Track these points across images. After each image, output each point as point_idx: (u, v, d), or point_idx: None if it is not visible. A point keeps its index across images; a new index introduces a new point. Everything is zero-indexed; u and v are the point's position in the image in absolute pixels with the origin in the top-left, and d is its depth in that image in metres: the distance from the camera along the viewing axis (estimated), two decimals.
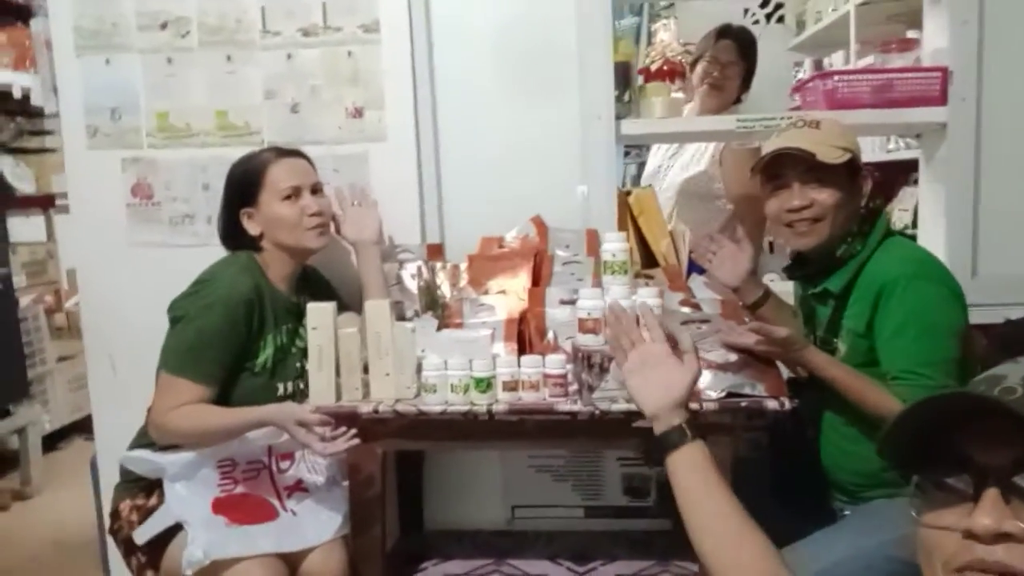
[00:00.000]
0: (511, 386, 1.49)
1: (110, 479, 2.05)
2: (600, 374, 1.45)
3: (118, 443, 1.87)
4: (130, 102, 1.98)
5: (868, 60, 3.37)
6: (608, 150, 1.94)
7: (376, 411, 1.49)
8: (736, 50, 2.50)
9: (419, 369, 1.55)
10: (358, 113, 1.95)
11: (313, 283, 1.85)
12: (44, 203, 4.14)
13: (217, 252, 1.78)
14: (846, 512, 1.58)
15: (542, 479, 2.04)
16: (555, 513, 2.03)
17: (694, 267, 2.00)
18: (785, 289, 1.85)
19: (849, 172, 1.53)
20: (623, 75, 1.98)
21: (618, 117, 1.95)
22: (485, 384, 1.48)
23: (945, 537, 0.66)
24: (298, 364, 1.72)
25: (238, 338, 1.61)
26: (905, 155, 2.74)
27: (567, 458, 2.02)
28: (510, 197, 2.00)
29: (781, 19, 4.56)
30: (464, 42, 1.98)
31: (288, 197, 1.69)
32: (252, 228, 1.72)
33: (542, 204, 1.98)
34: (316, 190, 1.74)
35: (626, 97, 1.98)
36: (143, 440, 1.65)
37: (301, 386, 1.71)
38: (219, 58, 1.95)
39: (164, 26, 1.93)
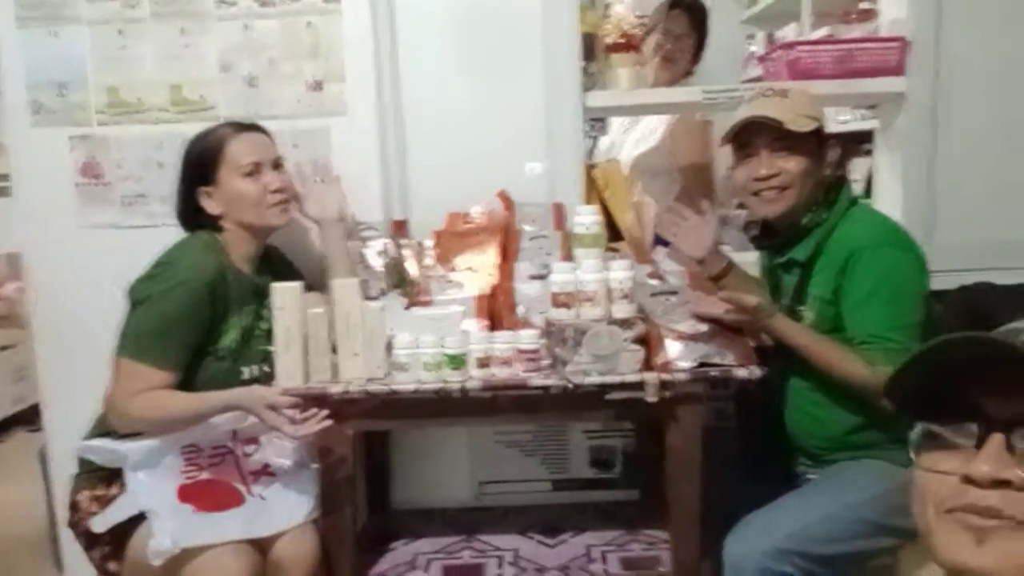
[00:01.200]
0: (484, 362, 1.48)
1: (60, 470, 2.00)
2: (574, 348, 1.45)
3: (68, 433, 1.81)
4: (77, 77, 1.89)
5: (822, 32, 3.41)
6: (575, 123, 1.93)
7: (346, 392, 1.47)
8: (688, 21, 2.49)
9: (389, 348, 1.53)
10: (318, 86, 1.90)
11: (275, 263, 1.80)
12: None
13: (172, 233, 1.71)
14: (810, 476, 1.61)
15: (510, 454, 2.04)
16: (523, 488, 2.03)
17: (659, 240, 2.01)
18: (743, 260, 1.87)
19: (816, 141, 1.54)
20: (588, 46, 1.96)
21: (584, 90, 1.93)
22: (458, 361, 1.46)
23: (941, 481, 0.67)
24: (262, 347, 1.68)
25: (201, 321, 1.56)
26: (857, 126, 2.78)
27: (534, 432, 2.02)
28: (474, 172, 1.97)
29: None
30: (427, 12, 1.93)
31: (249, 174, 1.64)
32: (212, 207, 1.66)
33: (507, 179, 1.96)
34: (277, 165, 1.70)
35: (591, 69, 1.96)
36: (101, 428, 1.59)
37: (266, 369, 1.67)
38: (172, 30, 1.87)
39: None
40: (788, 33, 3.83)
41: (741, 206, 2.18)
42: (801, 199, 1.54)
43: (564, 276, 1.47)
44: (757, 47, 4.32)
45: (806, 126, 1.51)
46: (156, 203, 1.93)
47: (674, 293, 1.67)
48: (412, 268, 1.82)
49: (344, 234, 1.80)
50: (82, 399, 1.73)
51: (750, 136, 1.56)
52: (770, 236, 1.66)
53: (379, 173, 1.94)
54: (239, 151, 1.64)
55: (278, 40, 1.88)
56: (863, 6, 2.33)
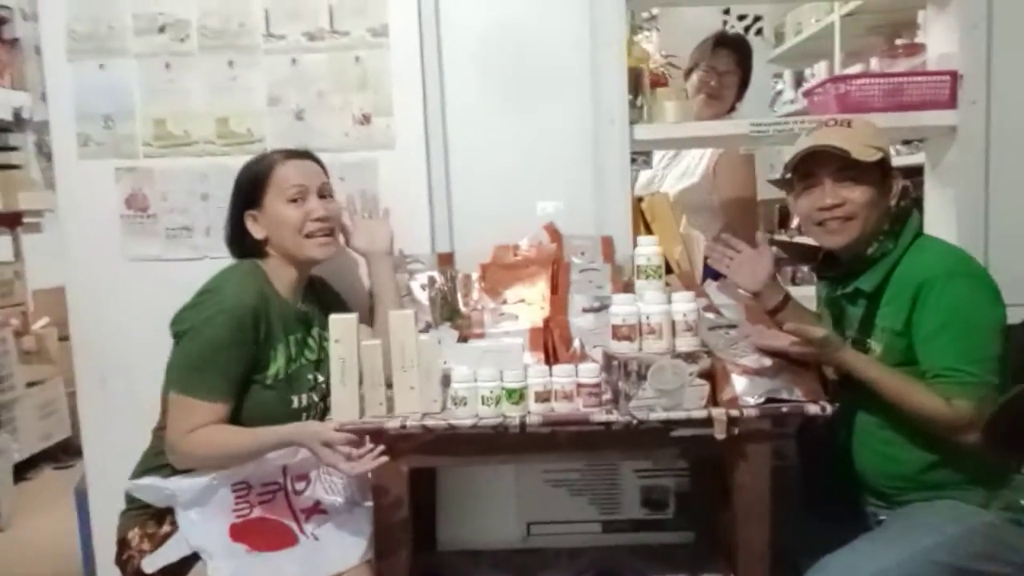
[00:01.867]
0: (543, 397, 1.44)
1: (98, 506, 1.96)
2: (637, 382, 1.41)
3: (108, 469, 1.77)
4: (125, 109, 1.89)
5: (856, 68, 3.43)
6: (622, 155, 1.91)
7: (403, 426, 1.42)
8: (733, 58, 2.49)
9: (444, 382, 1.49)
10: (366, 119, 1.89)
11: (321, 293, 1.78)
12: (11, 221, 3.98)
13: (217, 266, 1.69)
14: (881, 517, 1.55)
15: (557, 494, 1.97)
16: (572, 529, 1.97)
17: (708, 273, 1.98)
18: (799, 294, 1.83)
19: (881, 171, 1.52)
20: (634, 80, 1.95)
21: (630, 122, 1.92)
22: (517, 395, 1.42)
23: None
24: (310, 376, 1.65)
25: (246, 348, 1.53)
26: (900, 161, 2.76)
27: (583, 471, 1.96)
28: (521, 205, 1.95)
29: (759, 31, 4.63)
30: (474, 46, 1.93)
31: (293, 200, 1.62)
32: (256, 231, 1.65)
33: (553, 210, 1.94)
34: (324, 194, 1.68)
35: (638, 102, 1.95)
36: (149, 464, 1.55)
37: (315, 397, 1.64)
38: (220, 62, 1.87)
39: (162, 29, 1.86)
40: (819, 71, 3.86)
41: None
42: (866, 230, 1.51)
43: (626, 308, 1.43)
44: (784, 86, 4.35)
45: (872, 156, 1.48)
46: (201, 236, 1.92)
47: (733, 327, 1.63)
48: (461, 301, 1.80)
49: (392, 268, 1.78)
50: (124, 435, 1.70)
51: (814, 166, 1.54)
52: (833, 266, 1.62)
53: (426, 206, 1.93)
54: (286, 175, 1.63)
55: (326, 73, 1.88)
56: (903, 41, 2.33)
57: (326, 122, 1.89)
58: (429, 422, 1.43)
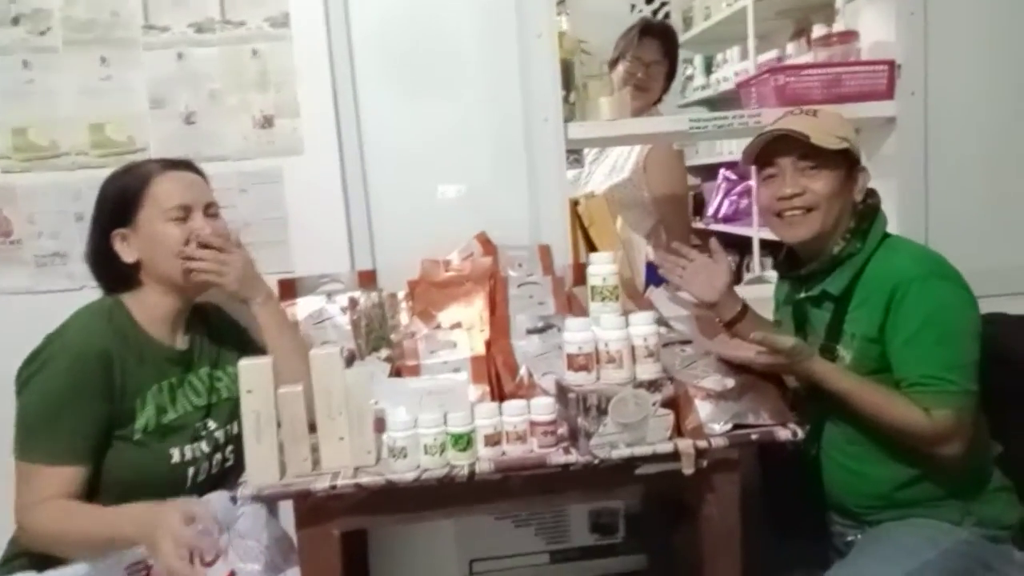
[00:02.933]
0: (494, 440, 1.27)
1: None
2: (598, 417, 1.26)
3: None
4: None
5: (771, 55, 3.39)
6: (558, 156, 1.76)
7: (333, 486, 1.23)
8: (660, 48, 2.37)
9: (377, 425, 1.30)
10: (267, 122, 1.67)
11: (214, 325, 1.54)
12: None
13: (96, 296, 1.45)
14: (850, 538, 1.47)
15: (501, 527, 1.83)
16: (518, 562, 1.83)
17: (651, 278, 1.86)
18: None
19: (845, 163, 1.42)
20: (565, 74, 1.80)
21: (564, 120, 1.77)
22: (465, 440, 1.25)
23: None
24: (197, 424, 1.43)
25: (96, 400, 1.30)
26: None
27: None
28: (449, 214, 1.78)
29: (667, 15, 4.55)
30: (388, 37, 1.73)
31: (176, 219, 1.39)
32: (126, 253, 1.40)
33: (485, 219, 1.78)
34: (211, 212, 1.44)
35: (571, 98, 1.80)
36: (14, 551, 1.31)
37: (204, 448, 1.42)
38: (91, 59, 1.61)
39: (16, 21, 1.57)
40: (731, 56, 3.81)
41: None
42: (828, 224, 1.42)
43: (581, 335, 1.28)
44: (695, 71, 4.30)
45: (834, 144, 1.39)
46: (77, 263, 1.63)
47: (688, 342, 1.51)
48: (389, 326, 1.61)
49: (278, 308, 1.49)
50: None
51: (775, 155, 1.43)
52: (795, 265, 1.53)
53: (342, 218, 1.73)
54: (166, 190, 1.39)
55: (219, 70, 1.65)
56: (839, 28, 2.27)
57: (221, 126, 1.66)
58: (364, 479, 1.24)
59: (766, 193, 1.46)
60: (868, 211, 1.45)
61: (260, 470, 1.24)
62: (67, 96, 1.61)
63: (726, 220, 4.04)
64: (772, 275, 2.19)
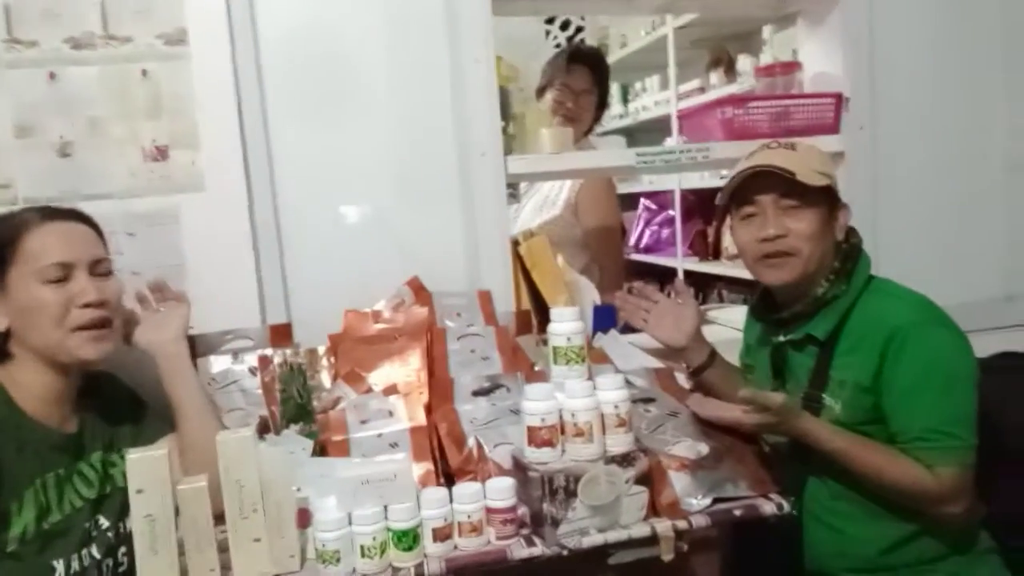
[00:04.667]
0: (444, 533, 1.07)
1: None
2: (566, 500, 1.09)
3: None
4: None
5: (694, 83, 3.35)
6: (497, 192, 1.59)
7: None
8: (590, 77, 2.25)
9: (300, 520, 1.08)
10: (161, 154, 1.43)
11: (108, 400, 1.28)
12: None
13: None
14: None
15: None
16: None
17: (599, 324, 1.71)
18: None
19: (827, 201, 1.31)
20: (502, 103, 1.64)
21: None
22: (410, 538, 1.05)
23: None
24: (86, 524, 1.17)
25: None
26: None
27: None
28: (374, 257, 1.57)
29: (582, 42, 4.49)
30: (301, 58, 1.53)
31: (54, 280, 1.14)
32: None
33: (416, 262, 1.58)
34: (99, 271, 1.20)
35: (509, 129, 1.64)
36: None
37: (95, 554, 1.17)
38: None
39: None
40: (651, 85, 3.76)
41: None
42: (812, 266, 1.31)
43: (543, 404, 1.10)
44: (612, 99, 4.24)
45: (818, 181, 1.28)
46: None
47: (650, 400, 1.36)
48: (309, 387, 1.39)
49: (187, 363, 1.28)
50: None
51: (754, 192, 1.31)
52: (772, 307, 1.40)
53: (250, 264, 1.50)
54: (42, 246, 1.15)
55: (100, 94, 1.40)
56: (766, 59, 2.20)
57: (104, 159, 1.40)
58: None
59: (746, 234, 1.34)
60: (852, 251, 1.34)
61: None
62: None
63: (647, 250, 3.98)
64: (717, 315, 2.08)
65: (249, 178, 1.48)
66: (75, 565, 1.14)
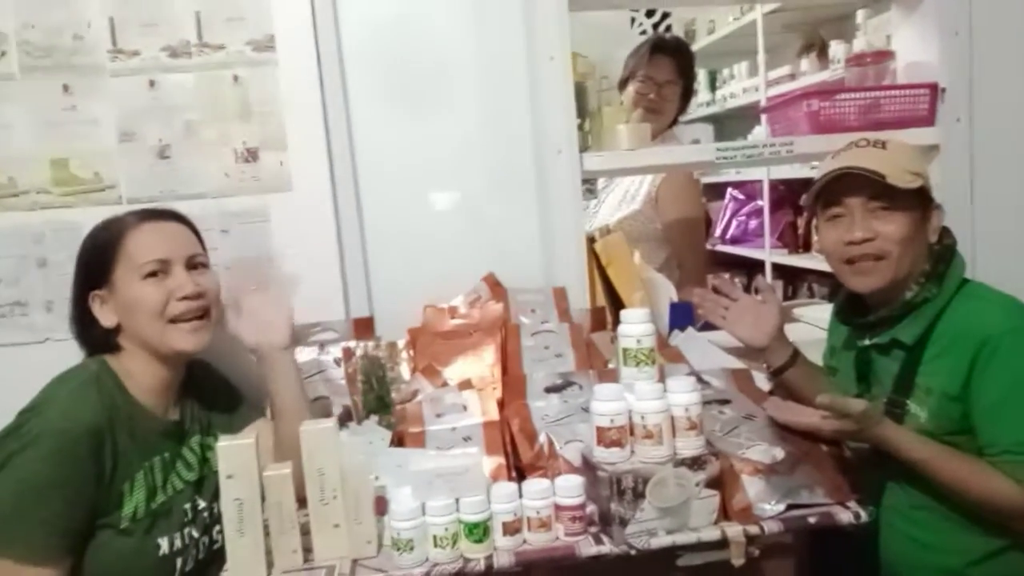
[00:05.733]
0: (513, 527, 1.10)
1: None
2: (634, 501, 1.09)
3: None
4: None
5: (784, 69, 3.25)
6: (573, 189, 1.59)
7: None
8: (674, 67, 2.21)
9: (378, 507, 1.13)
10: (251, 155, 1.50)
11: (204, 387, 1.37)
12: None
13: (62, 350, 1.29)
14: None
15: None
16: None
17: (675, 322, 1.69)
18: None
19: (920, 201, 1.26)
20: (579, 98, 1.64)
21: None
22: (481, 530, 1.08)
23: None
24: (186, 505, 1.26)
25: (83, 487, 1.13)
26: None
27: None
28: (452, 254, 1.61)
29: (669, 29, 4.40)
30: (384, 60, 1.57)
31: (152, 274, 1.22)
32: (105, 317, 1.25)
33: (493, 259, 1.61)
34: (195, 265, 1.28)
35: (585, 126, 1.64)
36: None
37: (194, 534, 1.25)
38: (51, 88, 1.44)
39: None
40: (739, 72, 3.67)
41: None
42: (902, 271, 1.26)
43: (613, 405, 1.11)
44: (698, 87, 4.16)
45: (910, 182, 1.23)
46: (39, 312, 1.48)
47: (726, 402, 1.35)
48: (389, 379, 1.44)
49: (294, 368, 1.35)
50: None
51: (841, 193, 1.27)
52: (860, 310, 1.36)
53: (335, 261, 1.56)
54: (141, 244, 1.23)
55: (196, 99, 1.48)
56: (860, 45, 2.12)
57: (199, 161, 1.49)
58: None
59: (832, 236, 1.30)
60: (944, 252, 1.29)
61: (243, 567, 1.07)
62: (25, 128, 1.44)
63: (734, 242, 3.90)
64: (803, 312, 2.03)
65: (334, 178, 1.54)
66: (177, 543, 1.23)
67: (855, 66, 1.85)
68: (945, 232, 1.31)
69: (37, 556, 1.09)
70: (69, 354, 1.27)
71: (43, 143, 1.45)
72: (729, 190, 3.97)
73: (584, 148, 1.64)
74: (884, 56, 1.84)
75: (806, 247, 3.36)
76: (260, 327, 1.33)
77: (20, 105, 1.43)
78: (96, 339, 1.26)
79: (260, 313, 1.35)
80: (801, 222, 3.45)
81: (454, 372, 1.42)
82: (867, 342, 1.33)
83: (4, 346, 1.48)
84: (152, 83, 1.45)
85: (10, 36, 1.41)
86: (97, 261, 1.24)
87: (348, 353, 1.50)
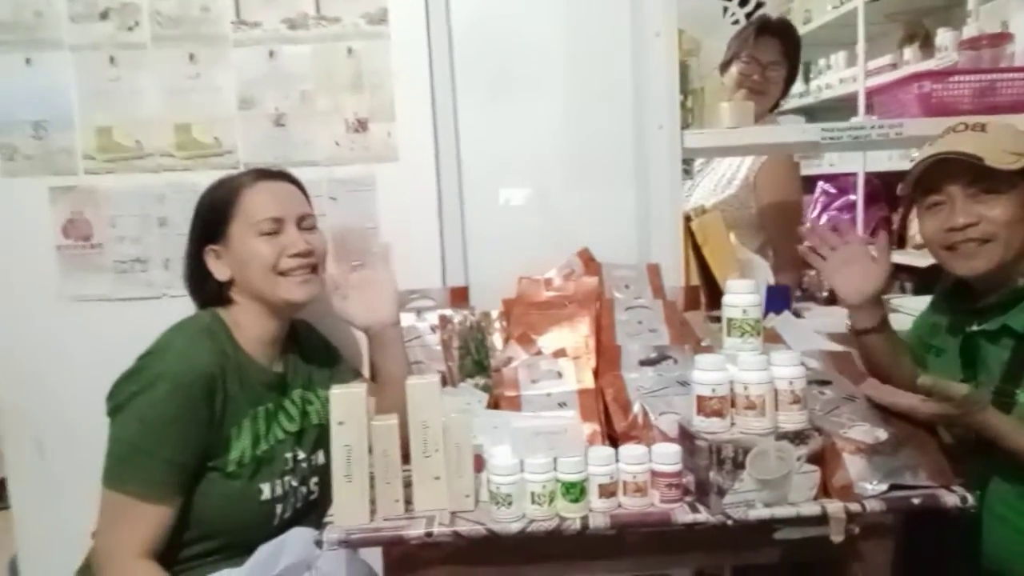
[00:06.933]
0: (609, 490, 1.11)
1: None
2: (733, 471, 1.09)
3: (47, 556, 1.43)
4: (60, 114, 1.53)
5: (885, 59, 3.15)
6: (672, 166, 1.59)
7: (429, 534, 1.09)
8: (779, 48, 2.18)
9: (476, 465, 1.16)
10: (361, 126, 1.55)
11: (306, 344, 1.44)
12: None
13: (178, 306, 1.36)
14: None
15: None
16: None
17: (772, 305, 1.67)
18: None
19: None
20: (681, 77, 1.63)
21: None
22: (578, 490, 1.10)
23: None
24: (287, 455, 1.32)
25: (197, 428, 1.20)
26: None
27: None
28: (548, 227, 1.63)
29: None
30: (490, 36, 1.60)
31: (267, 233, 1.29)
32: (219, 271, 1.32)
33: (588, 234, 1.62)
34: (305, 225, 1.34)
35: (687, 103, 1.64)
36: None
37: (293, 483, 1.31)
38: (179, 57, 1.52)
39: (105, 15, 1.49)
40: (837, 62, 3.58)
41: None
42: (1009, 254, 1.22)
43: (715, 375, 1.11)
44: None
45: (1013, 163, 1.19)
46: (158, 270, 1.57)
47: (826, 383, 1.33)
48: (488, 348, 1.47)
49: (401, 344, 1.43)
50: (66, 515, 1.38)
51: (939, 180, 1.24)
52: (966, 296, 1.32)
53: (435, 231, 1.60)
54: (256, 203, 1.30)
55: (312, 70, 1.54)
56: (970, 32, 2.04)
57: (312, 129, 1.55)
58: (463, 527, 1.10)
59: (932, 224, 1.26)
60: None
61: (348, 510, 1.12)
62: (153, 95, 1.53)
63: None
64: (902, 303, 1.97)
65: (438, 150, 1.58)
66: (278, 490, 1.29)
67: (969, 49, 1.79)
68: None
69: (155, 493, 1.17)
70: (184, 310, 1.35)
71: (169, 109, 1.53)
72: (820, 183, 3.86)
73: (685, 126, 1.63)
74: (1003, 39, 1.77)
75: (900, 243, 3.25)
76: (369, 308, 1.40)
77: (150, 73, 1.52)
78: (209, 292, 1.33)
79: (367, 293, 1.41)
80: (895, 217, 3.33)
81: (548, 342, 1.43)
82: (975, 328, 1.29)
83: (124, 300, 1.58)
84: (271, 53, 1.52)
85: (143, 7, 1.50)
86: (214, 217, 1.31)
87: (444, 320, 1.54)
